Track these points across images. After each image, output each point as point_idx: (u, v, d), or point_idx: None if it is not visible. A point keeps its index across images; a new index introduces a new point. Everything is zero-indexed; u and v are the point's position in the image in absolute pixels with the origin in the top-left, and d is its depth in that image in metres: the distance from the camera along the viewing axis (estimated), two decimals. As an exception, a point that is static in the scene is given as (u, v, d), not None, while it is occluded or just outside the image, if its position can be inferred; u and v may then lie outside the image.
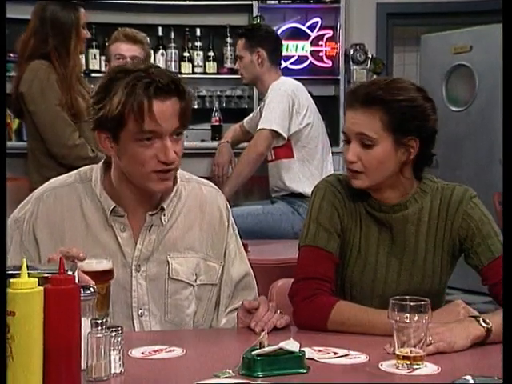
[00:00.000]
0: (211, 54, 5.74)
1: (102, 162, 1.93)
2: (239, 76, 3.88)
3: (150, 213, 1.89)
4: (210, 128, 5.18)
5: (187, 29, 5.71)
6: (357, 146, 1.88)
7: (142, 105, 1.74)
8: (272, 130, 3.58)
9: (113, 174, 1.89)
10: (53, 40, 3.33)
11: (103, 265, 1.69)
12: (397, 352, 1.54)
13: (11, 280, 1.27)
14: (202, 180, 2.05)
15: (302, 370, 1.49)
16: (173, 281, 1.90)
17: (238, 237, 2.04)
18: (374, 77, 5.62)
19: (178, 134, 1.82)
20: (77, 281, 1.41)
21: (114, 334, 1.44)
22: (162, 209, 1.90)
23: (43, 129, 3.34)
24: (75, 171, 1.96)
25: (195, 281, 1.93)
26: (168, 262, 1.90)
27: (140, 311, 1.88)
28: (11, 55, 5.06)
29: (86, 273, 1.58)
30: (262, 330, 1.65)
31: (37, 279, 1.29)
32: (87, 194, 1.89)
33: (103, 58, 5.36)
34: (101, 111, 1.79)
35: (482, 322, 1.69)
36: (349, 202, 1.97)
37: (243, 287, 2.01)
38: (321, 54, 5.97)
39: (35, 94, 3.32)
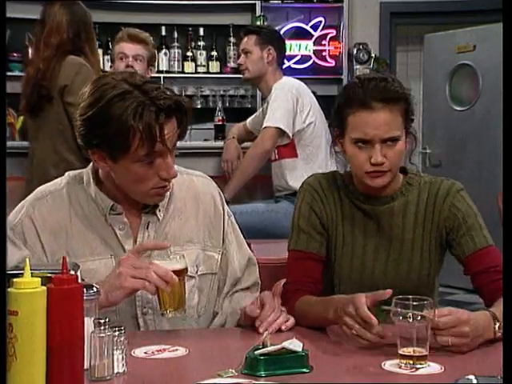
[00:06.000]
0: (214, 53, 5.73)
1: (91, 164, 1.91)
2: (241, 71, 3.86)
3: (144, 211, 1.89)
4: (213, 127, 5.19)
5: (190, 28, 5.70)
6: (382, 146, 1.85)
7: (153, 131, 1.70)
8: (277, 128, 3.59)
9: (105, 179, 1.87)
10: (84, 37, 3.36)
11: (178, 265, 1.74)
12: (400, 351, 1.54)
13: (14, 280, 1.27)
14: (192, 171, 2.05)
15: (304, 370, 1.49)
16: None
17: (234, 222, 2.05)
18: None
19: (174, 146, 1.80)
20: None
21: (116, 333, 1.45)
22: (156, 205, 1.90)
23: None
24: (62, 177, 1.94)
25: (196, 272, 1.94)
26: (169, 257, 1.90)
27: (144, 309, 1.88)
28: (15, 55, 5.08)
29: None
30: (266, 330, 1.65)
31: (40, 279, 1.29)
32: (81, 196, 1.88)
33: (106, 57, 5.36)
34: (96, 130, 1.74)
35: (498, 333, 1.66)
36: (331, 198, 1.99)
37: (246, 271, 2.03)
38: (324, 53, 5.96)
39: (80, 88, 3.31)
